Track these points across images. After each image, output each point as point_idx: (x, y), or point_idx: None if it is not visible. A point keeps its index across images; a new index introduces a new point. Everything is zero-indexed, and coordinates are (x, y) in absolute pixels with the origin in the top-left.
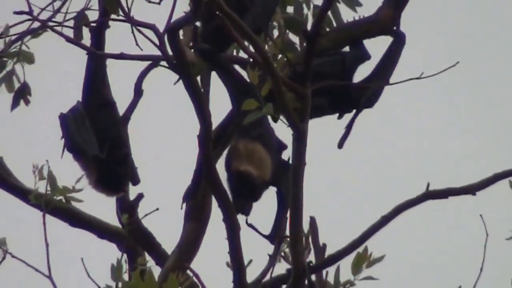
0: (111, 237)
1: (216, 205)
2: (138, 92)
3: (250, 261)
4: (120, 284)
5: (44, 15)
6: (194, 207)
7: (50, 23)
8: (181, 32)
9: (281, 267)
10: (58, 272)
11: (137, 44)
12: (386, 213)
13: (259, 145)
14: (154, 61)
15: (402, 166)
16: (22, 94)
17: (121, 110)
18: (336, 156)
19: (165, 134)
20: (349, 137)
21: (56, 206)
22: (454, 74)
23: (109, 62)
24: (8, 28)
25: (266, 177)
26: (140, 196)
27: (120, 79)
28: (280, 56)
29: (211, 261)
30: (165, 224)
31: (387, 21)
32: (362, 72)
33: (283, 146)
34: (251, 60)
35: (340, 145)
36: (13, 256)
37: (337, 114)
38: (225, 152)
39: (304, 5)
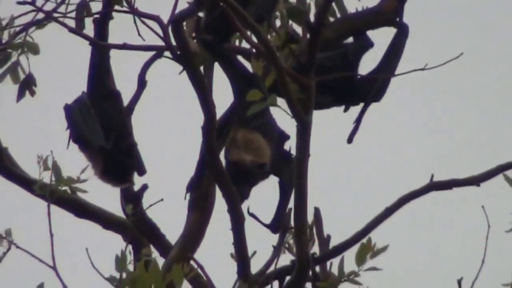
0: (116, 228)
1: (220, 195)
2: (141, 83)
3: (254, 253)
4: (124, 275)
5: (49, 6)
6: (198, 197)
7: (55, 14)
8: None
9: (286, 258)
10: (63, 262)
11: (139, 35)
12: (390, 204)
13: (258, 135)
14: (158, 52)
15: (406, 157)
16: (27, 85)
17: (125, 101)
18: (340, 147)
19: (169, 124)
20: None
21: (61, 196)
22: (458, 65)
23: (113, 53)
24: (12, 19)
25: (266, 163)
26: (144, 187)
27: (123, 70)
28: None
29: (215, 252)
30: (169, 215)
31: (390, 12)
32: (367, 65)
33: (286, 137)
34: (254, 50)
35: (350, 140)
36: (17, 247)
37: (342, 107)
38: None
39: None
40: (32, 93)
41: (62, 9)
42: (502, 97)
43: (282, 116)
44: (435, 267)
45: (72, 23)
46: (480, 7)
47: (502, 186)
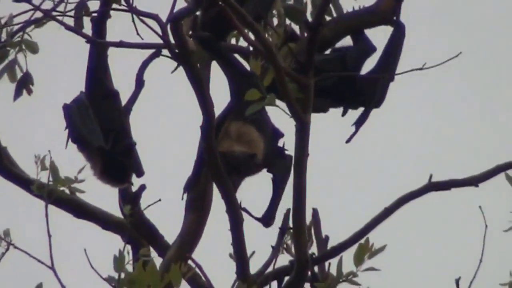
0: (114, 228)
1: (218, 195)
2: (139, 83)
3: (253, 253)
4: (122, 275)
5: (48, 4)
6: (195, 197)
7: (53, 13)
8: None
9: (284, 259)
10: (61, 263)
11: (138, 34)
12: (389, 204)
13: (252, 128)
14: (156, 51)
15: (404, 157)
16: (24, 84)
17: (123, 101)
18: (338, 147)
19: (166, 124)
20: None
21: (59, 196)
22: (457, 65)
23: (110, 52)
24: (11, 17)
25: (256, 154)
26: (142, 187)
27: (121, 70)
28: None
29: (214, 252)
30: (167, 215)
31: (387, 11)
32: (366, 65)
33: (280, 134)
34: (252, 49)
35: (348, 141)
36: (16, 247)
37: (340, 109)
38: None
39: None
40: (29, 92)
41: (62, 7)
42: (500, 97)
43: (280, 115)
44: (433, 267)
45: (70, 22)
46: (479, 6)
47: (501, 186)
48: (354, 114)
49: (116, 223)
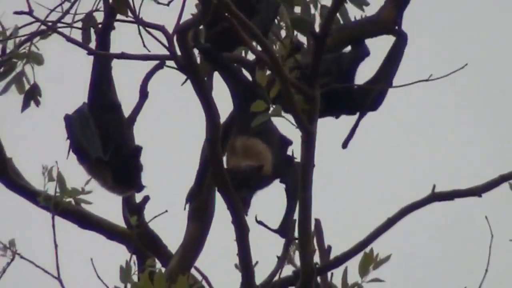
0: (120, 239)
1: (221, 205)
2: (143, 94)
3: (257, 263)
4: (129, 286)
5: (55, 15)
6: (198, 207)
7: (59, 25)
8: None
9: (290, 269)
10: (67, 273)
11: (144, 46)
12: (392, 215)
13: (257, 140)
14: (160, 63)
15: (408, 167)
16: (32, 96)
17: (127, 112)
18: (342, 157)
19: (169, 135)
20: (353, 138)
21: (66, 208)
22: (462, 75)
23: (115, 64)
24: (17, 29)
25: (262, 165)
26: (146, 199)
27: (125, 81)
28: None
29: (219, 262)
30: (170, 226)
31: (389, 21)
32: (365, 73)
33: (288, 142)
34: (259, 61)
35: (344, 145)
36: (22, 257)
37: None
38: None
39: (311, 5)
40: (37, 103)
41: (68, 19)
42: (504, 107)
43: (285, 126)
44: (438, 277)
45: (77, 34)
46: (484, 17)
47: (505, 196)
48: (352, 120)
49: (121, 234)
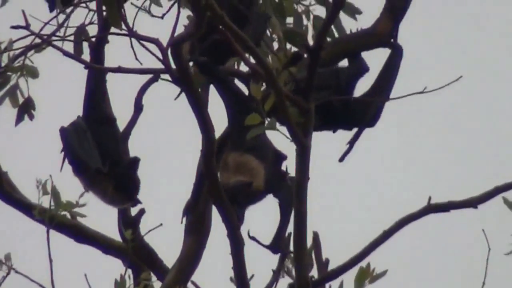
0: (115, 253)
1: (217, 219)
2: (138, 107)
3: (252, 276)
4: None
5: (49, 29)
6: (194, 221)
7: (53, 38)
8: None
9: (285, 282)
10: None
11: (136, 59)
12: (388, 227)
13: (250, 157)
14: (155, 76)
15: (403, 180)
16: (26, 109)
17: (122, 125)
18: (338, 170)
19: (164, 148)
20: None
21: (61, 221)
22: (456, 88)
23: (109, 77)
24: (11, 42)
25: (251, 182)
26: (141, 212)
27: (120, 94)
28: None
29: (214, 275)
30: (166, 239)
31: (385, 33)
32: (361, 86)
33: (283, 157)
34: (252, 73)
35: (341, 159)
36: (17, 272)
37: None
38: None
39: (303, 16)
40: (31, 117)
41: (62, 32)
42: (499, 118)
43: (280, 139)
44: None
45: (70, 46)
46: (481, 28)
47: (500, 208)
48: (349, 133)
49: (117, 248)
